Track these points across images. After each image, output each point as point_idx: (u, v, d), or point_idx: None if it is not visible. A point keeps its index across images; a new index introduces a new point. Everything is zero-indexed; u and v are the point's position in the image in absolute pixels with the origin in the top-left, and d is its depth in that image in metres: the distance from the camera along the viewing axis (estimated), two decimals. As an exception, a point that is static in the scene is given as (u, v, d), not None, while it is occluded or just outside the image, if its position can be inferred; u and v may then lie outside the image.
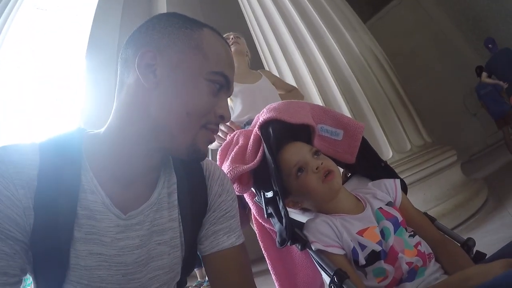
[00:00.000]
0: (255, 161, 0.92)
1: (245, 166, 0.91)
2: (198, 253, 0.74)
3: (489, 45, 4.29)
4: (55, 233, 0.54)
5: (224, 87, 0.63)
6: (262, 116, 0.96)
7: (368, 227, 0.78)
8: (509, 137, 4.21)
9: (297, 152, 0.87)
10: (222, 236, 0.72)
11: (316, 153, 0.87)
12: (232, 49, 1.67)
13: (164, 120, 0.58)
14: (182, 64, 0.58)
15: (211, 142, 0.64)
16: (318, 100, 2.42)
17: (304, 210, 0.96)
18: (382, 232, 0.77)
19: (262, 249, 1.10)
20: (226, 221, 0.73)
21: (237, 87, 1.54)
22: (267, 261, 1.10)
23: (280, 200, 0.84)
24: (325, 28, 2.59)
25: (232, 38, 1.73)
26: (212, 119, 0.62)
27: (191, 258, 0.72)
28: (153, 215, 0.64)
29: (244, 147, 1.00)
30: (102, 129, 0.63)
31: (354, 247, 0.76)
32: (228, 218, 0.73)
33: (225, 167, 0.94)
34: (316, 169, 0.82)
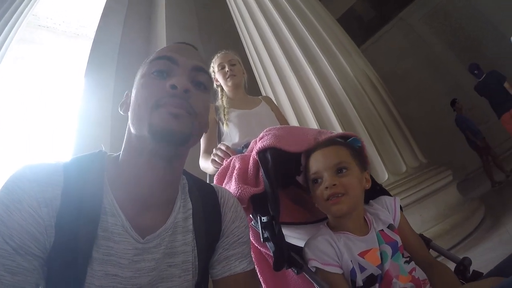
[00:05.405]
0: (261, 186, 0.92)
1: (253, 189, 0.91)
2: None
3: (475, 71, 4.14)
4: (73, 252, 0.55)
5: (172, 67, 0.66)
6: (261, 142, 0.97)
7: (371, 249, 0.78)
8: (488, 165, 4.30)
9: (322, 161, 0.85)
10: (234, 261, 0.73)
11: (341, 170, 0.82)
12: (229, 83, 1.66)
13: (129, 122, 0.65)
14: (138, 80, 0.67)
15: (174, 115, 0.61)
16: (313, 123, 2.45)
17: (301, 233, 0.95)
18: (380, 255, 0.78)
19: (258, 273, 1.09)
20: (239, 247, 0.75)
21: (234, 112, 1.57)
22: (263, 285, 1.09)
23: (277, 225, 0.84)
24: (320, 53, 2.64)
25: (227, 72, 1.65)
26: (163, 94, 0.62)
27: (204, 283, 0.72)
28: (168, 238, 0.65)
29: (245, 169, 1.00)
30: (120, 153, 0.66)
31: (353, 267, 0.76)
32: (240, 244, 0.75)
33: (232, 188, 0.93)
34: (326, 188, 0.81)
